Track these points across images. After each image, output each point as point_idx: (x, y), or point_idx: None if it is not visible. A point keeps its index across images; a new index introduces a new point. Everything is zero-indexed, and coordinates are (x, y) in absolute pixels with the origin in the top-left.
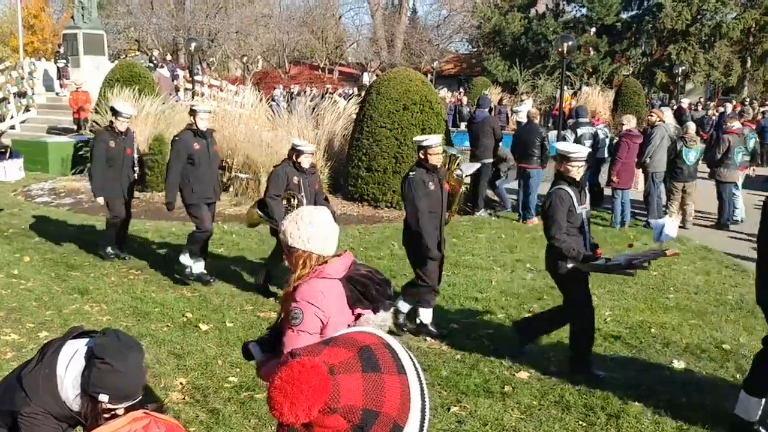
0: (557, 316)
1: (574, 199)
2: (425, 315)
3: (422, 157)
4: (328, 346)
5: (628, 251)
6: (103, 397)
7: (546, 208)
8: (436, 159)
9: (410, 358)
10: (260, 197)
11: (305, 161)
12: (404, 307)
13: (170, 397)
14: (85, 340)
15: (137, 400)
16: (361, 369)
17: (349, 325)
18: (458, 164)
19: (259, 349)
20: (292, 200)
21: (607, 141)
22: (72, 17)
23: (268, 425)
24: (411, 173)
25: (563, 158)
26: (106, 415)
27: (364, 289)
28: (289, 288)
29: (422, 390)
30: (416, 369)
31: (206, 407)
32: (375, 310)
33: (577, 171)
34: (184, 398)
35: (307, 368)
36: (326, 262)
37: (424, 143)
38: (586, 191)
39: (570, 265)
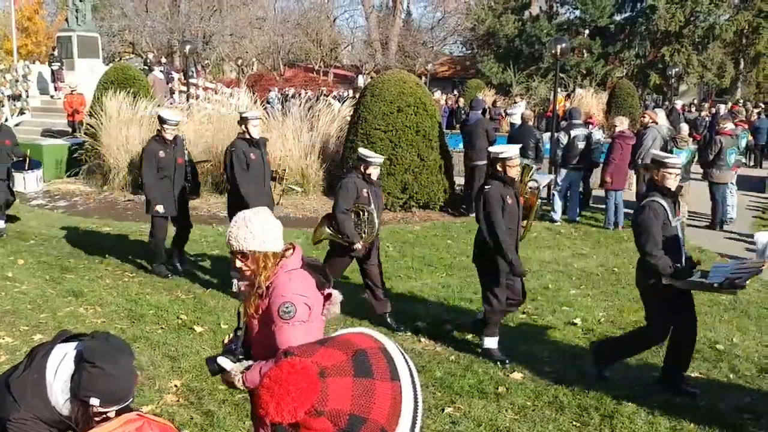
0: (641, 338)
1: (669, 212)
2: (490, 342)
3: (499, 169)
4: (324, 346)
5: (718, 263)
6: (94, 401)
7: (639, 222)
8: (514, 171)
9: (406, 363)
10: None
11: (375, 173)
12: (492, 342)
13: (165, 399)
14: (74, 344)
15: (128, 402)
16: (352, 373)
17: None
18: (532, 175)
19: (229, 360)
20: (361, 214)
21: (601, 144)
22: (66, 20)
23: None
24: (487, 187)
25: (659, 165)
26: (97, 419)
27: (323, 273)
28: (259, 290)
29: (415, 397)
30: (411, 375)
31: (201, 409)
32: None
33: (674, 180)
34: (178, 400)
35: (296, 369)
36: (284, 256)
37: (503, 155)
38: (680, 201)
39: (665, 282)
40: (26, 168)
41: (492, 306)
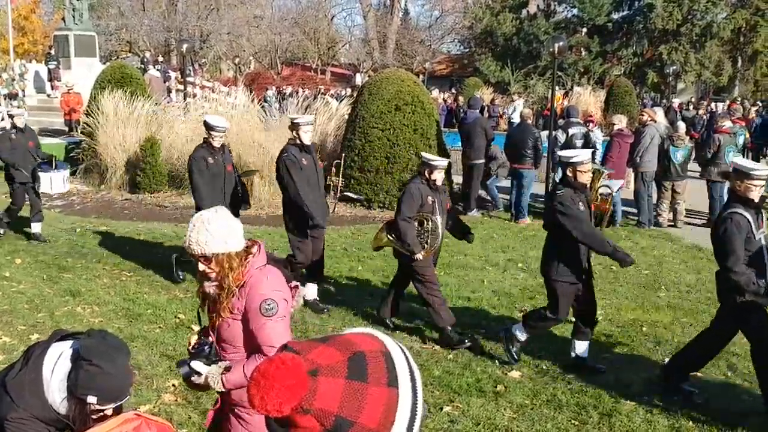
0: (710, 342)
1: (752, 224)
2: (580, 347)
3: (570, 174)
4: (324, 344)
5: None
6: (92, 399)
7: (720, 235)
8: (586, 177)
9: (410, 370)
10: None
11: (439, 177)
12: (522, 335)
13: (162, 398)
14: (70, 343)
15: (125, 400)
16: (345, 375)
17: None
18: (603, 180)
19: (202, 363)
20: (425, 223)
21: (599, 144)
22: (63, 19)
23: None
24: (558, 192)
25: (743, 176)
26: (94, 417)
27: (287, 266)
28: (231, 292)
29: (414, 406)
30: (413, 383)
31: (199, 408)
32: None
33: (758, 191)
34: (176, 400)
35: (286, 365)
36: (250, 254)
37: (573, 159)
38: (763, 214)
39: (748, 298)
40: (54, 168)
41: (554, 316)
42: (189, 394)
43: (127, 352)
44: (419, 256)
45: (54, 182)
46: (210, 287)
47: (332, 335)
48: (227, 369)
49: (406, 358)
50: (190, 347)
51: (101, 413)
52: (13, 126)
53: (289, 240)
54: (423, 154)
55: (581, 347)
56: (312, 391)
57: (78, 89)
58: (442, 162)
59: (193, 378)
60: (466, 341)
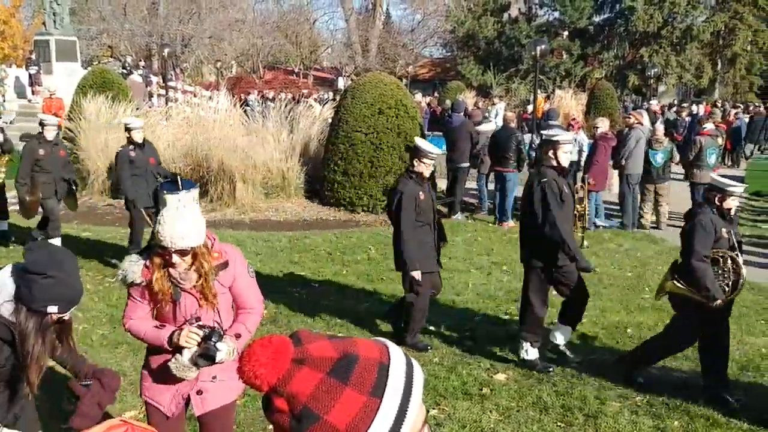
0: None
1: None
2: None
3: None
4: (329, 340)
5: None
6: (53, 309)
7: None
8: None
9: (406, 388)
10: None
11: (734, 205)
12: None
13: None
14: (7, 267)
15: (79, 304)
16: (327, 371)
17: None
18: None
19: (223, 342)
20: (721, 261)
21: (585, 147)
22: (43, 23)
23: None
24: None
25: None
26: (54, 327)
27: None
28: (210, 275)
29: (398, 423)
30: (404, 401)
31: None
32: None
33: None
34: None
35: (271, 344)
36: (212, 239)
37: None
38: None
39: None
40: (179, 188)
41: None
42: None
43: (72, 255)
44: (719, 302)
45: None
46: (184, 277)
47: (344, 336)
48: (237, 336)
49: (409, 379)
50: (201, 338)
51: (61, 321)
52: (130, 141)
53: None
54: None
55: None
56: (289, 375)
57: (59, 94)
58: (739, 188)
59: (219, 359)
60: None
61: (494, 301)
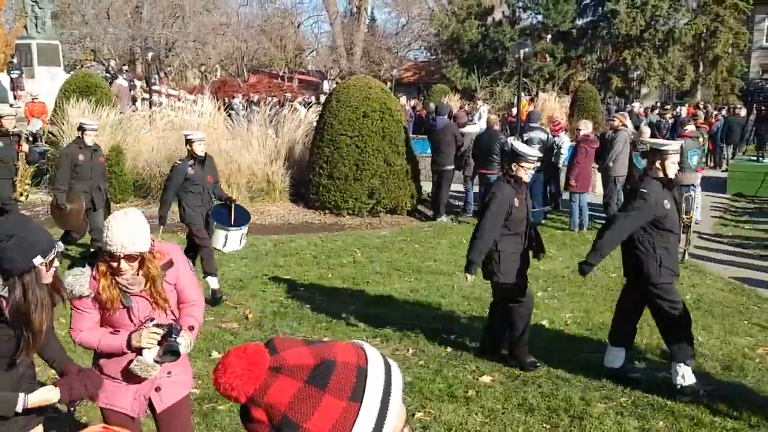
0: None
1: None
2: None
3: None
4: (306, 346)
5: None
6: (38, 260)
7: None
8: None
9: (385, 390)
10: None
11: None
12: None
13: None
14: None
15: (60, 248)
16: (305, 379)
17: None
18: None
19: (182, 337)
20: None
21: (565, 149)
22: (25, 27)
23: None
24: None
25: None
26: (48, 276)
27: None
28: (158, 277)
29: (378, 426)
30: (384, 403)
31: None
32: None
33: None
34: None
35: (246, 355)
36: (152, 240)
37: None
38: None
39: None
40: (231, 223)
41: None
42: None
43: (26, 216)
44: None
45: (230, 240)
46: (132, 282)
47: (322, 341)
48: (191, 329)
49: (387, 381)
50: (159, 336)
51: (53, 267)
52: (191, 155)
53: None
54: None
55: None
56: (266, 385)
57: (42, 98)
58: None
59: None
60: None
61: (479, 303)
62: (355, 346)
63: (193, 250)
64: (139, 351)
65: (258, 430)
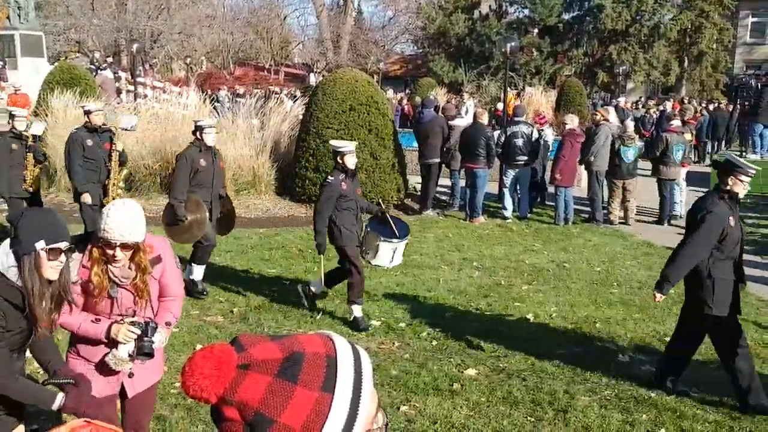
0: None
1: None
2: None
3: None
4: (272, 341)
5: None
6: (40, 244)
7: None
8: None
9: (356, 379)
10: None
11: None
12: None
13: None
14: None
15: (68, 239)
16: (275, 373)
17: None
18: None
19: (157, 335)
20: None
21: (550, 143)
22: (8, 18)
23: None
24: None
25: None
26: (52, 263)
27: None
28: (148, 272)
29: (352, 414)
30: (357, 391)
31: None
32: None
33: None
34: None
35: (213, 355)
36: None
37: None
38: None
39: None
40: (397, 236)
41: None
42: None
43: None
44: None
45: (397, 254)
46: (124, 273)
47: (287, 334)
48: (168, 324)
49: (358, 368)
50: (135, 335)
51: (57, 254)
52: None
53: None
54: None
55: None
56: (236, 383)
57: (25, 90)
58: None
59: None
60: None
61: (465, 297)
62: (322, 337)
63: None
64: (114, 343)
65: (231, 429)
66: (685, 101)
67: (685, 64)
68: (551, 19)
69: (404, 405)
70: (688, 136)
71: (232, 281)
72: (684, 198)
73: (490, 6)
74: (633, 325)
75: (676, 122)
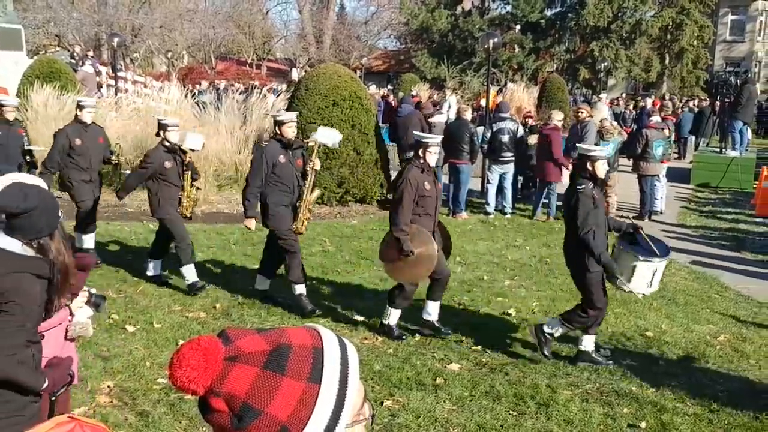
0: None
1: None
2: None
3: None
4: (258, 334)
5: None
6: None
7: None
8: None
9: (342, 370)
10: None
11: None
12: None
13: (97, 400)
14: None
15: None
16: (261, 365)
17: None
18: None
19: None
20: None
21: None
22: None
23: (198, 426)
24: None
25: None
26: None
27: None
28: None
29: (339, 405)
30: (343, 383)
31: (135, 410)
32: None
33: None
34: (111, 401)
35: (200, 347)
36: None
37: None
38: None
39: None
40: (657, 255)
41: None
42: (125, 395)
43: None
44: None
45: (656, 276)
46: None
47: (273, 328)
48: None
49: (344, 359)
50: (85, 297)
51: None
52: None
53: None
54: None
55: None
56: (223, 375)
57: (3, 84)
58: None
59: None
60: None
61: (448, 291)
62: (308, 329)
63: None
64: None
65: (219, 420)
66: (666, 98)
67: (666, 61)
68: (533, 15)
69: (388, 399)
70: (667, 132)
71: (214, 277)
72: (665, 194)
73: (472, 2)
74: (614, 320)
75: (656, 118)
